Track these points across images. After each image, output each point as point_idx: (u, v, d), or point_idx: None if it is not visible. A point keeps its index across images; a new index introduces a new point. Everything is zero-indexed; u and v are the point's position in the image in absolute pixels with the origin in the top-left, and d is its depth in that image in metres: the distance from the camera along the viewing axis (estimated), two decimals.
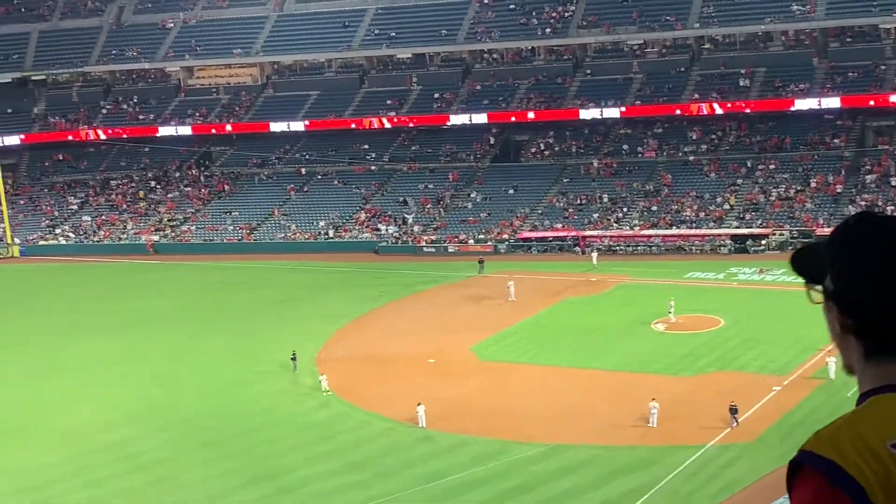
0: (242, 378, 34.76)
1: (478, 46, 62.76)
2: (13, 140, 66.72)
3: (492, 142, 61.46)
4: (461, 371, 34.39)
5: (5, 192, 59.38)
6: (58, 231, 62.14)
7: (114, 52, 68.64)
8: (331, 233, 57.63)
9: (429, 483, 25.61)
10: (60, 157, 67.64)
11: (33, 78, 69.80)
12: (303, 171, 62.99)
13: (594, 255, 48.41)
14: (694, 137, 57.55)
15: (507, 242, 53.38)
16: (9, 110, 68.28)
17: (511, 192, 57.29)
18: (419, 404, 29.45)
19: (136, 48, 68.32)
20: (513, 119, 60.63)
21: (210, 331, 40.42)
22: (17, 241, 59.69)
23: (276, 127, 63.95)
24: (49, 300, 47.61)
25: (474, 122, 60.22)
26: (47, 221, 63.20)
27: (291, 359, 35.03)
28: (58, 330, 41.62)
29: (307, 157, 63.52)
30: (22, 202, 65.31)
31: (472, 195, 58.22)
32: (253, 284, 48.77)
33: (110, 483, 26.73)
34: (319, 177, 62.63)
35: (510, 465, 26.37)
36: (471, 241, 53.66)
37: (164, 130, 65.34)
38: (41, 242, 60.70)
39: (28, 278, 53.67)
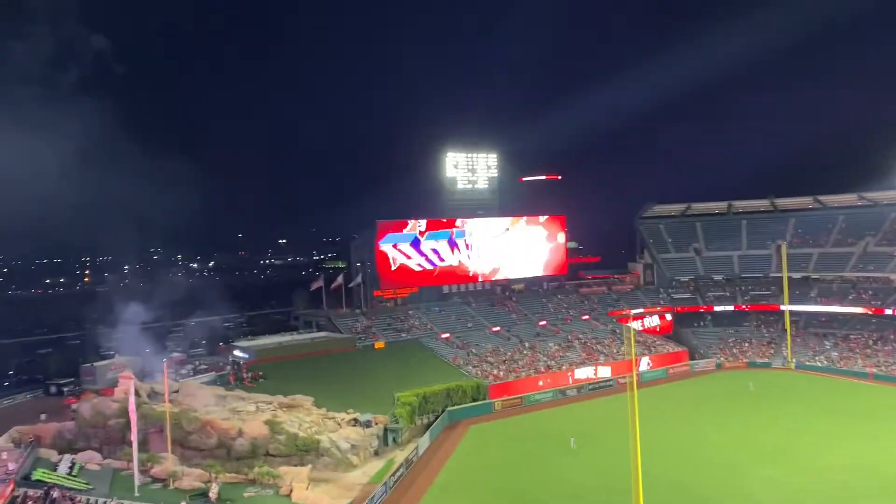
0: None
1: None
2: None
3: None
4: None
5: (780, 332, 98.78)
6: (820, 356, 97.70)
7: None
8: None
9: None
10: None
11: None
12: None
13: None
14: None
15: None
16: None
17: None
18: None
19: None
20: None
21: None
22: (794, 359, 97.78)
23: None
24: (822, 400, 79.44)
25: None
26: (813, 350, 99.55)
27: None
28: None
29: None
30: (798, 339, 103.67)
31: None
32: None
33: None
34: None
35: None
36: None
37: None
38: (807, 363, 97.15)
39: (798, 384, 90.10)
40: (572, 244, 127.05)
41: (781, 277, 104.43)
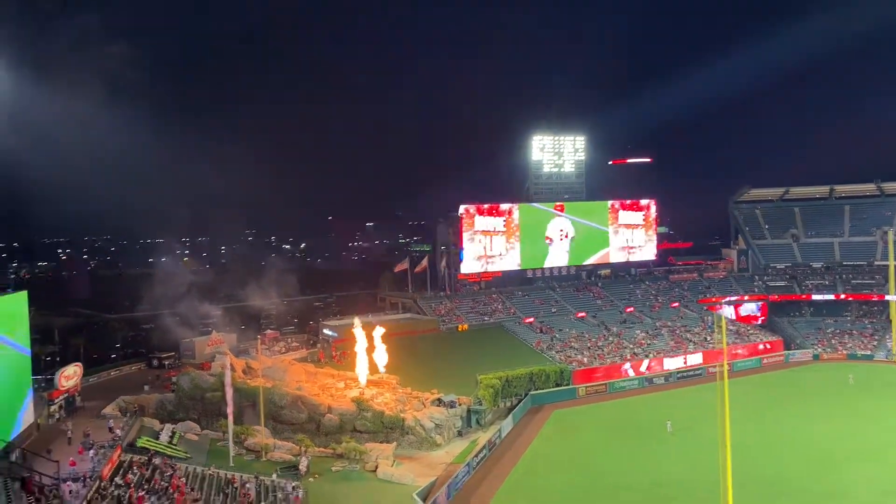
0: None
1: None
2: None
3: None
4: None
5: None
6: None
7: None
8: None
9: None
10: None
11: None
12: None
13: None
14: None
15: None
16: None
17: None
18: None
19: None
20: None
21: None
22: None
23: None
24: None
25: None
26: None
27: None
28: None
29: None
30: None
31: None
32: None
33: None
34: None
35: None
36: None
37: None
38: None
39: None
40: (663, 229, 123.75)
41: (887, 266, 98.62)
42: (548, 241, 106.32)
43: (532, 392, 74.19)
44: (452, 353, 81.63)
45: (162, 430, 53.68)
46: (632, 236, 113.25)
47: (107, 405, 58.56)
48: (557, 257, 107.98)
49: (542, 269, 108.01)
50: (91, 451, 43.49)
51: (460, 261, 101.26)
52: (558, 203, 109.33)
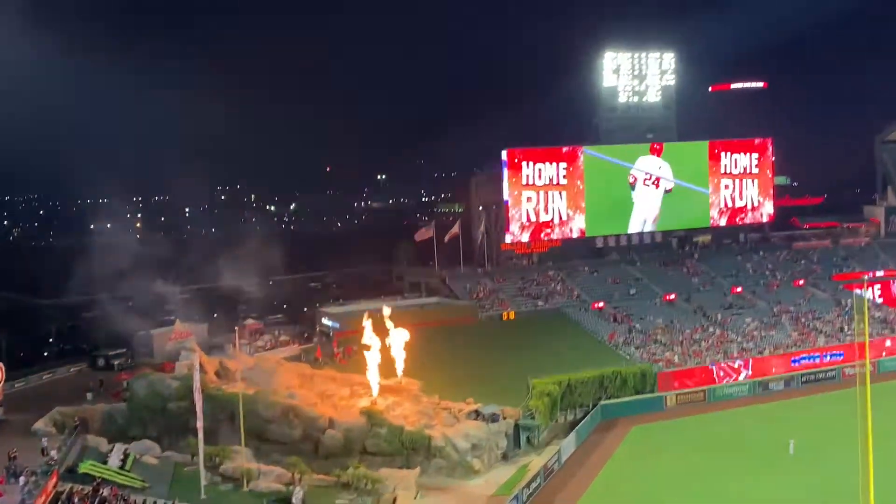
0: None
1: None
2: None
3: None
4: None
5: None
6: None
7: None
8: None
9: None
10: None
11: None
12: None
13: None
14: None
15: None
16: None
17: None
18: None
19: None
20: None
21: None
22: None
23: None
24: None
25: None
26: None
27: None
28: None
29: None
30: None
31: None
32: None
33: None
34: None
35: None
36: None
37: None
38: None
39: None
40: (782, 179, 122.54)
41: None
42: (632, 196, 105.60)
43: (603, 402, 74.25)
44: (494, 349, 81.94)
45: (111, 451, 54.67)
46: (740, 189, 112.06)
47: (38, 419, 59.69)
48: (644, 220, 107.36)
49: (619, 236, 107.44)
50: (19, 480, 44.44)
51: (505, 226, 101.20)
52: (637, 143, 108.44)
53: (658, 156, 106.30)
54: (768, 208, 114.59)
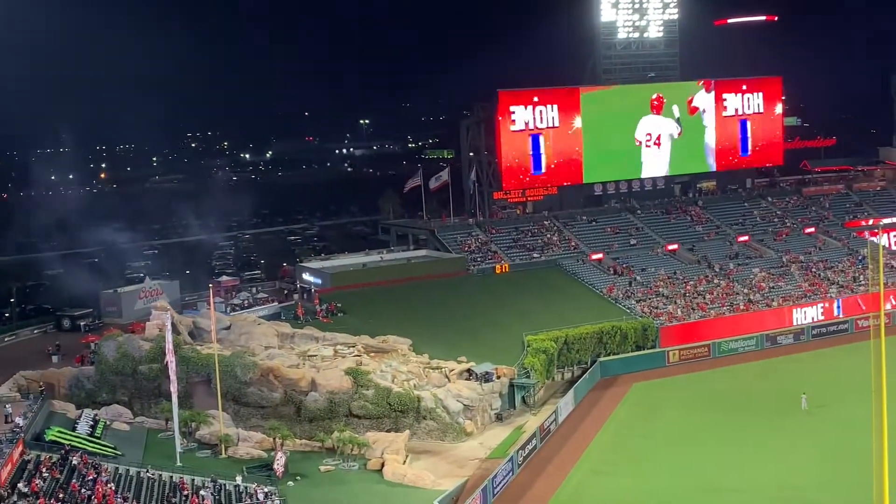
0: None
1: None
2: None
3: None
4: None
5: None
6: None
7: None
8: None
9: None
10: None
11: None
12: None
13: None
14: None
15: None
16: None
17: None
18: None
19: None
20: None
21: None
22: None
23: None
24: None
25: None
26: None
27: None
28: None
29: None
30: None
31: None
32: None
33: None
34: None
35: None
36: None
37: None
38: None
39: None
40: (791, 120, 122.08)
41: None
42: (624, 137, 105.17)
43: (602, 358, 74.57)
44: (487, 305, 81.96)
45: (79, 417, 54.74)
46: (748, 131, 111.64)
47: (1, 384, 59.67)
48: (651, 164, 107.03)
49: (618, 182, 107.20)
50: None
51: (498, 173, 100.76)
52: (639, 83, 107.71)
53: (658, 113, 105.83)
54: (777, 151, 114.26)
